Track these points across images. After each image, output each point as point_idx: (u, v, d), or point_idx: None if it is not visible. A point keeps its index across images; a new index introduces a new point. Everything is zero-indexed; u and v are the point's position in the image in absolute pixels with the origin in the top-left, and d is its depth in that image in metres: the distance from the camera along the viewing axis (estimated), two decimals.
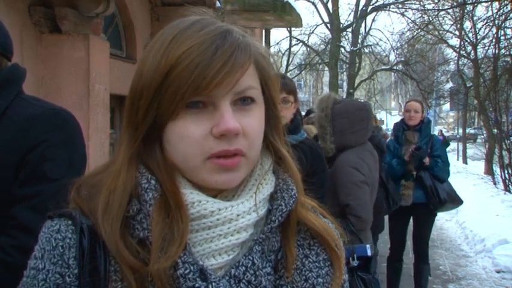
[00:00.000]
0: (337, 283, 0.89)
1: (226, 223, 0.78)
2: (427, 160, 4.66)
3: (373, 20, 22.68)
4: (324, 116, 3.33)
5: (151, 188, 0.78)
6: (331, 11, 20.87)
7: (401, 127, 4.94)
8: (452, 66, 22.12)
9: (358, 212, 3.12)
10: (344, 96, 22.59)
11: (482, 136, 15.33)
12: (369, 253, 3.10)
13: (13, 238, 1.37)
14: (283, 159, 0.87)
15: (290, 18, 7.89)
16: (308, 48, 22.94)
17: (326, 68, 23.26)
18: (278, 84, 0.87)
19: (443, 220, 9.77)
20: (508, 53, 12.85)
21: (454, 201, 4.80)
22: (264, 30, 10.14)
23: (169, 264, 0.73)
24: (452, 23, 17.10)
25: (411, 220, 4.95)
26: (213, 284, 0.75)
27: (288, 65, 19.70)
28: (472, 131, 26.83)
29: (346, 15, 27.78)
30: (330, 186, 3.16)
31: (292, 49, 19.97)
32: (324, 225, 0.90)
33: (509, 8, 12.05)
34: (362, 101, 5.09)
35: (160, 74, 0.76)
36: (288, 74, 16.67)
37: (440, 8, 16.16)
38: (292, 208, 0.84)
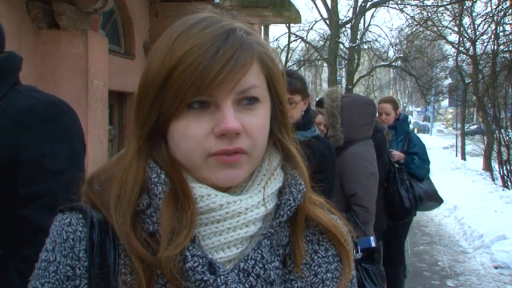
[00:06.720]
0: (346, 278, 0.90)
1: (235, 216, 0.79)
2: (402, 157, 4.57)
3: (372, 16, 22.64)
4: (335, 105, 3.34)
5: (161, 182, 0.79)
6: (330, 7, 20.80)
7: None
8: (451, 63, 22.08)
9: (365, 202, 3.11)
10: (343, 93, 22.56)
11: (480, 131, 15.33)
12: (373, 244, 3.10)
13: (38, 246, 1.35)
14: (291, 157, 0.87)
15: (289, 14, 7.88)
16: (307, 45, 22.88)
17: (325, 64, 23.21)
18: (284, 81, 0.87)
19: (442, 216, 9.78)
20: (506, 49, 12.81)
21: (433, 200, 4.66)
22: (262, 26, 10.12)
23: (178, 251, 0.74)
24: (451, 19, 17.05)
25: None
26: (222, 277, 0.75)
27: (286, 61, 19.65)
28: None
29: (345, 11, 27.67)
30: (337, 179, 3.17)
31: (291, 45, 19.93)
32: (333, 221, 0.91)
33: (508, 4, 12.03)
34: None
35: (163, 73, 0.77)
36: None
37: (439, 4, 16.13)
38: (300, 202, 0.85)
